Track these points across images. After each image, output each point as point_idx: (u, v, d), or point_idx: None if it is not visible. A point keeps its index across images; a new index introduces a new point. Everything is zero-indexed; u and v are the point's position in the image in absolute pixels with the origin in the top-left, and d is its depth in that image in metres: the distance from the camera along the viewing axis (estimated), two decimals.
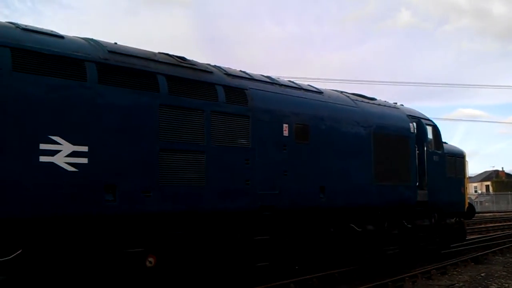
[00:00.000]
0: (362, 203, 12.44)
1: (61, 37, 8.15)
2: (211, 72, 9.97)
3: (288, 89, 11.42)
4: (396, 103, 15.13)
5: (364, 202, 12.50)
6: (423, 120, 15.04)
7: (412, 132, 14.28)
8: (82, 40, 8.50)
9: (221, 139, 9.57)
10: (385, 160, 13.07)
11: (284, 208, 10.63)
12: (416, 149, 14.39)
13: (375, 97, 14.38)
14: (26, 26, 7.92)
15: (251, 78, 10.76)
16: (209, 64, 10.42)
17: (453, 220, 16.30)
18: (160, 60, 9.22)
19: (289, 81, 12.21)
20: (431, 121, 15.52)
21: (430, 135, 15.14)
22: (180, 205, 8.91)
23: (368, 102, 13.61)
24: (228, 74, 10.32)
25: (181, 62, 9.63)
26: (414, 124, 14.50)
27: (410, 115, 14.63)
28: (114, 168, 8.06)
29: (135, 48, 9.20)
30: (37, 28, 8.13)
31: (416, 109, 15.72)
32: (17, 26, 7.79)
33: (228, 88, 9.89)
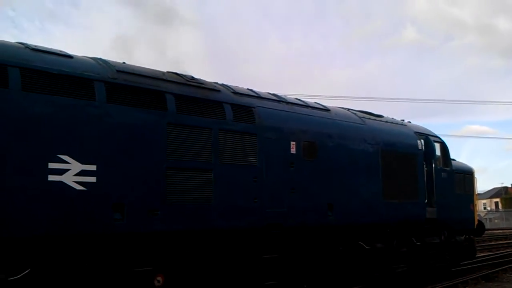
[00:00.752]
0: (370, 221, 12.38)
1: (70, 56, 8.23)
2: (218, 91, 10.02)
3: (295, 107, 11.44)
4: (403, 120, 15.12)
5: (373, 220, 12.43)
6: (430, 137, 15.00)
7: (420, 149, 14.24)
8: (90, 59, 8.58)
9: (229, 157, 9.58)
10: (393, 177, 13.02)
11: (292, 226, 10.59)
12: (424, 166, 14.33)
13: (382, 114, 14.38)
14: (35, 46, 8.01)
15: (258, 96, 10.80)
16: (216, 83, 10.47)
17: (462, 237, 16.17)
18: (168, 79, 9.28)
19: (296, 98, 12.25)
20: (439, 138, 15.48)
21: (438, 152, 15.09)
22: (188, 224, 8.90)
23: (375, 119, 13.60)
24: (235, 92, 10.36)
25: (189, 80, 9.69)
26: (422, 141, 14.46)
27: (417, 132, 14.61)
28: (122, 186, 8.08)
29: (143, 67, 9.27)
30: (46, 48, 8.22)
31: (424, 126, 15.70)
32: (26, 46, 7.88)
33: (236, 107, 9.93)
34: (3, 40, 7.90)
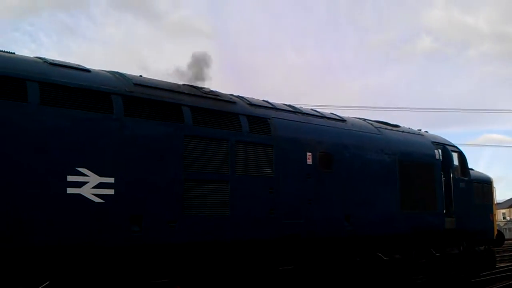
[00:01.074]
0: (388, 232, 12.28)
1: (88, 70, 8.33)
2: (234, 103, 10.06)
3: (311, 118, 11.44)
4: (420, 130, 15.03)
5: (391, 231, 12.33)
6: (448, 147, 14.89)
7: (438, 159, 14.13)
8: (108, 73, 8.67)
9: (245, 168, 9.59)
10: (411, 187, 12.93)
11: (309, 237, 10.54)
12: (442, 176, 14.22)
13: (399, 124, 14.32)
14: (53, 60, 8.13)
15: (273, 108, 10.82)
16: (232, 95, 10.52)
17: (482, 247, 15.98)
18: (184, 91, 9.35)
19: (312, 109, 12.24)
20: (456, 147, 15.36)
21: (455, 162, 14.96)
22: (205, 235, 8.90)
23: (392, 129, 13.55)
24: (251, 104, 10.40)
25: (205, 93, 9.75)
26: (439, 150, 14.35)
27: (434, 142, 14.50)
28: (140, 199, 8.12)
29: (159, 80, 9.36)
30: (64, 62, 8.34)
31: (441, 135, 15.60)
32: (44, 60, 8.00)
33: (252, 118, 9.95)
34: (22, 55, 8.04)
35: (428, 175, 13.71)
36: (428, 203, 13.53)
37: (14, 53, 7.86)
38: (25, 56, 8.07)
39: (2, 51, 7.69)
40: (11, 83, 7.11)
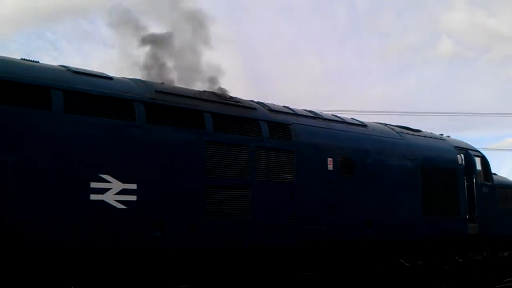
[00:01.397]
0: (410, 237, 12.18)
1: (110, 78, 8.43)
2: (254, 109, 10.09)
3: (332, 123, 11.41)
4: (442, 135, 14.90)
5: (413, 236, 12.23)
6: (470, 151, 14.72)
7: (460, 164, 13.98)
8: (130, 80, 8.77)
9: (266, 174, 9.61)
10: (433, 193, 12.82)
11: (331, 243, 10.51)
12: (465, 181, 14.05)
13: (421, 129, 14.21)
14: (76, 68, 8.25)
15: (294, 113, 10.82)
16: (252, 101, 10.55)
17: (506, 253, 15.75)
18: (205, 98, 9.41)
19: (332, 115, 12.22)
20: (479, 152, 15.19)
21: (478, 166, 14.77)
22: (226, 241, 8.93)
23: (413, 134, 13.45)
24: (271, 110, 10.41)
25: (225, 99, 9.80)
26: (462, 155, 14.20)
27: (457, 147, 14.36)
28: (162, 204, 8.18)
29: (181, 87, 9.44)
30: (87, 70, 8.45)
31: (463, 140, 15.43)
32: (68, 69, 8.12)
33: (272, 124, 9.97)
34: (46, 64, 8.16)
35: (451, 180, 13.58)
36: (450, 209, 13.39)
37: (38, 61, 7.99)
38: (49, 64, 8.19)
39: (26, 60, 7.83)
40: (35, 92, 7.23)
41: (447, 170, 13.54)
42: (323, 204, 10.43)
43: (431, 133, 14.52)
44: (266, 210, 9.50)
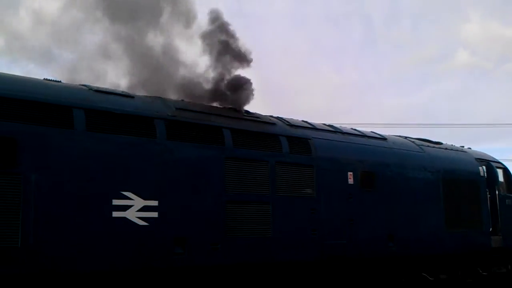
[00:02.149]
0: (433, 251, 12.04)
1: (131, 96, 8.53)
2: (274, 124, 10.11)
3: (351, 137, 11.39)
4: (463, 146, 14.76)
5: (436, 250, 12.09)
6: (492, 163, 14.55)
7: (482, 176, 13.82)
8: (150, 98, 8.86)
9: (286, 189, 9.60)
10: (455, 205, 12.68)
11: (352, 258, 10.43)
12: (487, 193, 13.88)
13: (441, 141, 14.10)
14: (98, 87, 8.37)
15: (313, 128, 10.82)
16: (271, 116, 10.58)
17: None
18: (224, 114, 9.46)
19: (352, 128, 12.19)
20: (501, 163, 15.00)
21: (501, 178, 14.59)
22: (247, 257, 8.92)
23: (434, 147, 13.35)
24: (291, 125, 10.43)
25: (244, 115, 9.83)
26: (484, 167, 14.04)
27: (478, 158, 14.20)
28: (183, 221, 8.21)
29: (200, 104, 9.50)
30: (108, 89, 8.57)
31: (484, 152, 15.27)
32: (89, 88, 8.24)
33: (292, 139, 9.98)
34: (68, 83, 8.29)
35: (473, 192, 13.42)
36: (473, 221, 13.22)
37: (60, 81, 8.12)
38: (71, 84, 8.33)
39: (49, 80, 7.96)
40: (58, 111, 7.34)
41: (469, 183, 13.39)
42: (344, 218, 10.38)
43: (452, 145, 14.40)
44: (287, 225, 9.47)
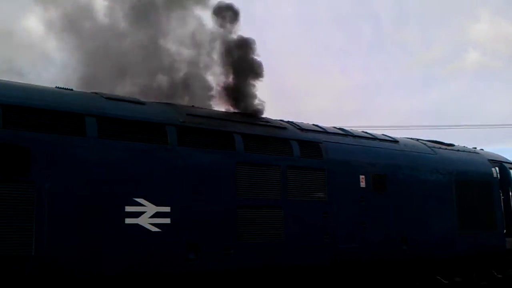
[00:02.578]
0: (447, 254, 11.96)
1: (142, 103, 8.57)
2: (285, 128, 10.11)
3: (362, 140, 11.36)
4: (475, 148, 14.66)
5: (449, 252, 12.01)
6: (505, 164, 14.43)
7: (495, 177, 13.71)
8: (162, 104, 8.90)
9: (298, 193, 9.58)
10: (468, 207, 12.59)
11: (365, 262, 10.39)
12: (501, 194, 13.77)
13: (453, 143, 14.01)
14: (109, 95, 8.42)
15: (324, 131, 10.81)
16: (282, 120, 10.58)
17: None
18: (235, 119, 9.48)
19: (363, 131, 12.16)
20: None
21: None
22: (260, 262, 8.91)
23: (446, 149, 13.27)
24: (301, 128, 10.42)
25: (255, 120, 9.84)
26: (497, 168, 13.92)
27: (491, 160, 14.10)
28: (195, 226, 8.23)
29: (211, 109, 9.53)
30: (119, 96, 8.62)
31: (497, 153, 15.15)
32: (101, 95, 8.29)
33: (303, 143, 9.97)
34: (80, 91, 8.35)
35: (486, 194, 13.32)
36: (487, 223, 13.12)
37: (72, 89, 8.18)
38: (83, 91, 8.39)
39: (61, 88, 8.03)
40: (70, 119, 7.40)
41: (482, 184, 13.30)
42: (356, 222, 10.34)
43: (464, 146, 14.31)
44: (299, 230, 9.46)
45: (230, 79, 9.95)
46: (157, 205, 7.85)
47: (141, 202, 7.71)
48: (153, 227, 7.79)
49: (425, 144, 12.94)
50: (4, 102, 6.93)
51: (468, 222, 12.50)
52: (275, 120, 10.38)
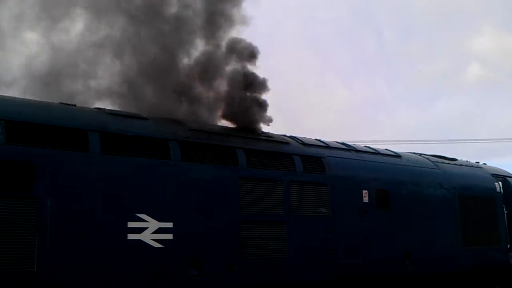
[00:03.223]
0: (451, 269, 11.89)
1: (145, 118, 8.57)
2: (287, 143, 10.10)
3: (365, 155, 11.34)
4: (478, 162, 14.64)
5: (453, 268, 11.94)
6: (509, 179, 14.40)
7: (498, 192, 13.68)
8: (165, 120, 8.90)
9: (301, 208, 9.55)
10: (472, 222, 12.55)
11: (369, 278, 10.31)
12: (504, 209, 13.72)
13: (456, 158, 13.99)
14: (112, 110, 8.43)
15: (327, 146, 10.79)
16: (285, 135, 10.57)
17: None
18: (238, 134, 9.47)
19: (366, 146, 12.15)
20: None
21: None
22: (263, 278, 8.85)
23: (449, 163, 13.25)
24: (304, 143, 10.41)
25: (258, 135, 9.84)
26: (500, 183, 13.89)
27: (494, 174, 14.07)
28: (198, 242, 8.19)
29: (214, 125, 9.53)
30: (122, 111, 8.63)
31: (500, 167, 15.12)
32: (104, 111, 8.30)
33: (305, 158, 9.95)
34: (83, 107, 8.36)
35: (490, 209, 13.28)
36: (491, 238, 13.06)
37: (75, 105, 8.19)
38: (86, 107, 8.39)
39: (64, 103, 8.03)
40: (73, 135, 7.39)
41: (486, 199, 13.26)
42: (359, 237, 10.29)
43: (467, 161, 14.28)
44: (302, 245, 9.41)
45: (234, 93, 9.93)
46: (159, 220, 7.82)
47: (144, 218, 7.67)
48: (155, 243, 7.75)
49: (428, 158, 12.92)
50: (8, 118, 6.93)
51: (471, 237, 12.44)
52: (277, 135, 10.37)
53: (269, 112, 10.20)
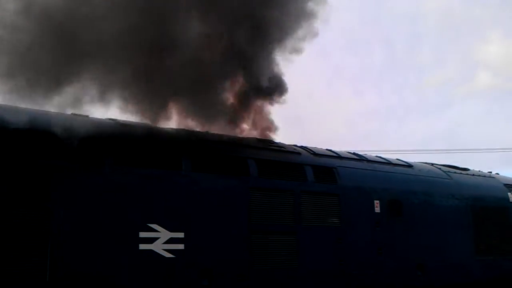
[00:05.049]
0: (464, 280, 11.77)
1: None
2: (298, 153, 10.11)
3: (376, 165, 11.31)
4: (490, 172, 14.53)
5: (467, 279, 11.82)
6: None
7: (511, 202, 13.56)
8: (176, 131, 8.95)
9: (312, 219, 9.53)
10: (485, 232, 12.43)
11: None
12: None
13: (468, 167, 13.90)
14: (124, 121, 8.50)
15: (338, 156, 10.78)
16: (296, 145, 10.58)
17: None
18: (249, 144, 9.50)
19: (377, 156, 12.11)
20: None
21: None
22: None
23: (461, 173, 13.17)
24: (315, 154, 10.41)
25: (269, 145, 9.86)
26: None
27: (507, 184, 13.94)
28: (209, 252, 8.20)
29: (225, 135, 9.56)
30: (134, 122, 8.69)
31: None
32: (116, 122, 8.36)
33: (316, 168, 9.94)
34: (95, 117, 8.43)
35: (503, 219, 13.15)
36: (504, 248, 12.92)
37: (88, 116, 8.27)
38: (98, 118, 8.47)
39: (77, 114, 8.11)
40: (87, 146, 7.46)
41: (498, 209, 13.14)
42: (371, 248, 10.24)
43: (479, 171, 14.18)
44: (313, 256, 9.38)
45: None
46: (171, 231, 7.85)
47: (155, 228, 7.71)
48: (167, 253, 7.78)
49: (440, 168, 12.85)
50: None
51: (485, 247, 12.32)
52: (288, 145, 10.39)
53: (280, 123, 10.25)
